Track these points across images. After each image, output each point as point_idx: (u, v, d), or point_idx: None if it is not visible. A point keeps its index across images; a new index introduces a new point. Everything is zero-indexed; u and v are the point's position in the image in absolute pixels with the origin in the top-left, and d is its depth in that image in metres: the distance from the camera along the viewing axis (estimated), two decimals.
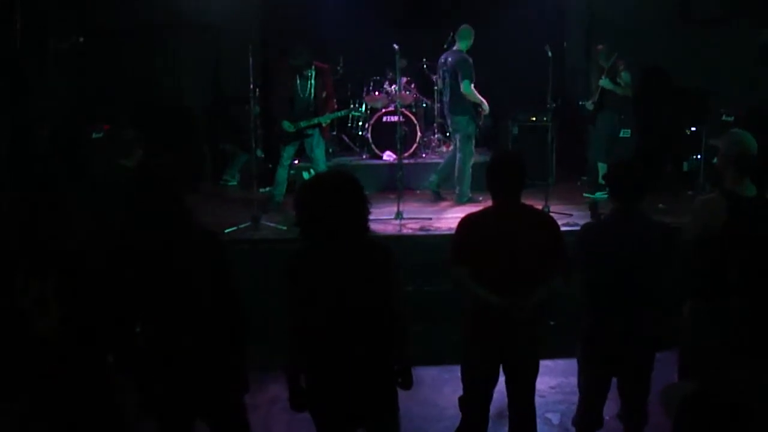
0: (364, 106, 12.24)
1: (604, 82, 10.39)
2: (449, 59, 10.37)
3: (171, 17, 11.19)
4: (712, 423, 2.74)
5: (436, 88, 11.59)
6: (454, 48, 10.42)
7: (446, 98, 10.49)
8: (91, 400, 4.61)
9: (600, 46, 10.56)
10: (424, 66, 11.99)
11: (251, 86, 9.24)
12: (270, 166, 11.07)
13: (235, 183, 11.97)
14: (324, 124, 9.97)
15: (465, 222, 5.13)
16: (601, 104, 10.56)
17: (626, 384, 5.16)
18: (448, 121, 10.66)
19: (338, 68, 11.75)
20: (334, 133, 12.30)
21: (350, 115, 12.21)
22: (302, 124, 9.71)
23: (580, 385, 5.37)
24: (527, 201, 5.16)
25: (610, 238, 4.98)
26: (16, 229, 4.38)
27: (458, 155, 10.34)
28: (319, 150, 9.96)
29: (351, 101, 12.19)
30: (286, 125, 9.71)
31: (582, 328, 5.19)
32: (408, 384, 4.42)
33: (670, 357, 5.16)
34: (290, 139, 9.86)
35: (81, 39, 10.18)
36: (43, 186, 4.59)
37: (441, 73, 10.51)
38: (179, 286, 4.21)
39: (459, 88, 10.06)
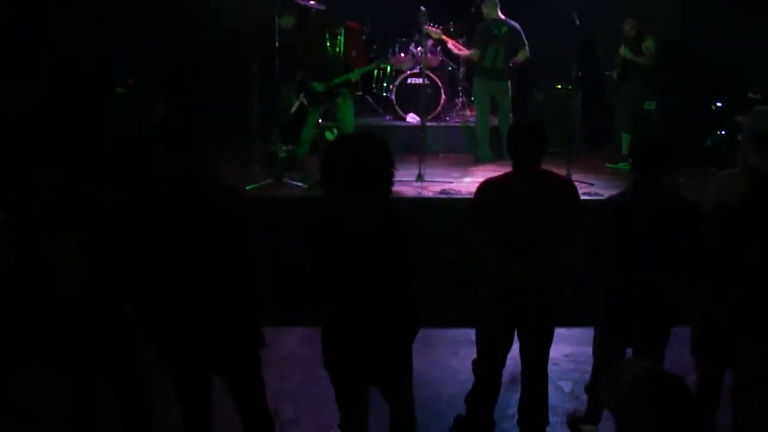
0: (389, 68, 12.23)
1: (625, 52, 10.39)
2: (504, 28, 10.54)
3: None
4: (665, 403, 2.74)
5: (463, 56, 11.53)
6: (497, 17, 10.49)
7: (499, 66, 10.65)
8: (110, 353, 4.70)
9: (627, 18, 10.50)
10: (450, 29, 11.92)
11: (276, 44, 9.25)
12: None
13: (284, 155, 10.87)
14: (354, 80, 9.93)
15: (484, 186, 5.11)
16: (625, 74, 10.54)
17: (640, 355, 5.17)
18: (491, 89, 10.81)
19: (364, 28, 11.71)
20: (360, 93, 12.28)
21: (377, 72, 12.20)
22: (330, 83, 9.68)
23: (594, 352, 5.40)
24: (550, 169, 5.15)
25: (631, 211, 4.95)
26: (39, 185, 4.44)
27: (510, 116, 10.75)
28: (347, 110, 9.93)
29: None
30: (316, 86, 9.69)
31: (599, 299, 5.20)
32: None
33: (685, 332, 5.15)
34: (321, 99, 9.84)
35: None
36: (66, 142, 4.64)
37: (494, 41, 10.57)
38: (198, 241, 4.21)
39: (510, 55, 10.57)
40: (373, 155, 4.01)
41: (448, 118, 12.25)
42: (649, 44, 10.28)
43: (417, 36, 11.68)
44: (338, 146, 4.19)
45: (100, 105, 9.16)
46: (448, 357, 6.67)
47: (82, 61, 9.71)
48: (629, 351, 5.20)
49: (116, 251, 4.38)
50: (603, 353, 5.28)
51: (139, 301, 4.44)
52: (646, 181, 4.94)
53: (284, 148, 10.28)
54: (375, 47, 12.38)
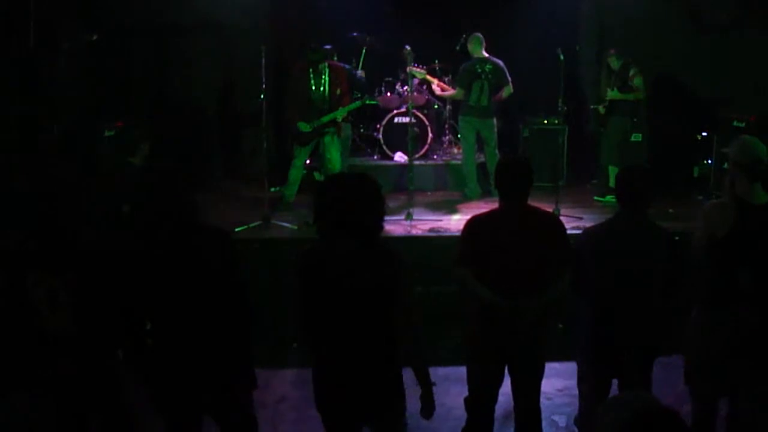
0: (376, 104, 12.25)
1: (612, 93, 10.46)
2: (488, 66, 10.57)
3: (183, 16, 11.23)
4: None
5: (447, 96, 11.63)
6: (481, 55, 10.58)
7: (484, 103, 10.68)
8: (100, 394, 4.66)
9: (612, 50, 10.59)
10: (436, 68, 11.99)
11: (263, 86, 9.28)
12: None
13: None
14: (339, 119, 9.94)
15: (471, 223, 5.15)
16: (612, 108, 10.59)
17: (627, 386, 5.15)
18: (477, 126, 10.81)
19: (351, 69, 11.72)
20: (349, 134, 12.30)
21: (363, 106, 12.22)
22: (316, 123, 9.70)
23: (580, 384, 5.38)
24: (538, 203, 5.17)
25: (613, 243, 5.01)
26: (29, 226, 4.43)
27: (496, 152, 10.74)
28: (335, 150, 9.94)
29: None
30: (302, 126, 9.71)
31: (583, 330, 5.21)
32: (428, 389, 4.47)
33: (676, 362, 5.15)
34: (307, 139, 9.85)
35: (94, 37, 10.21)
36: (55, 184, 4.64)
37: (478, 80, 10.61)
38: (188, 283, 4.24)
39: (495, 92, 10.57)
40: (365, 194, 4.04)
41: (435, 156, 12.27)
42: (637, 82, 10.33)
43: (403, 75, 11.75)
44: (330, 186, 4.21)
45: (86, 149, 9.18)
46: (440, 395, 6.53)
47: (72, 105, 9.75)
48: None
49: (107, 294, 4.37)
50: (590, 384, 5.27)
51: (131, 341, 4.44)
52: (631, 212, 4.98)
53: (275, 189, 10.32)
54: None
